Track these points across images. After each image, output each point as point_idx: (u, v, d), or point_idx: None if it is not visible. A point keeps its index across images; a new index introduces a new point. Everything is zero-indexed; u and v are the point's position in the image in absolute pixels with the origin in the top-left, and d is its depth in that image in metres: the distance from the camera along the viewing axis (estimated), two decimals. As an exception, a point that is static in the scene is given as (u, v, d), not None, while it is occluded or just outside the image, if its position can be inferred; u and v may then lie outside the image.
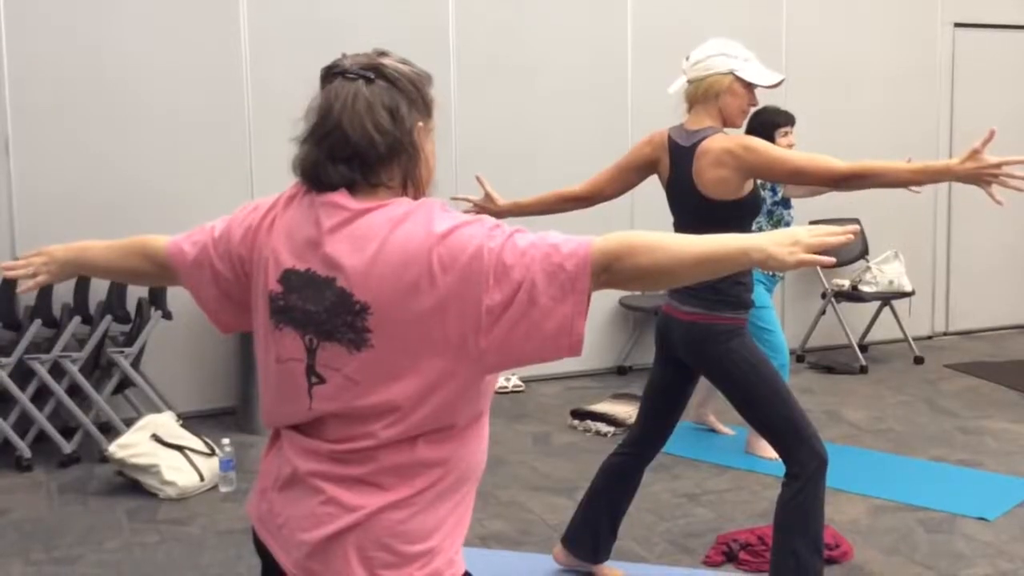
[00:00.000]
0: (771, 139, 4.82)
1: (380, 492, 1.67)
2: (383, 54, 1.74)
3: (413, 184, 1.72)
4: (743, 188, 3.22)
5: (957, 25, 7.73)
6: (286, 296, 1.70)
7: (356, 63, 1.71)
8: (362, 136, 1.66)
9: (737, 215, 3.25)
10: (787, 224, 5.14)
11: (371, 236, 1.63)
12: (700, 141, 3.23)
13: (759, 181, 4.93)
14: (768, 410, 3.25)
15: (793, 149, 4.78)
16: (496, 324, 1.59)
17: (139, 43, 5.64)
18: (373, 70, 1.69)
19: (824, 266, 1.68)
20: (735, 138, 3.22)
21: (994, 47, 7.87)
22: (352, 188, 1.69)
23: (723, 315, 3.26)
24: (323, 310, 1.66)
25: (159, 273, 1.98)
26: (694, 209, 3.27)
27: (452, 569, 1.72)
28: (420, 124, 1.72)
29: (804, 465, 3.18)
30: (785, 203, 5.12)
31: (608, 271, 1.61)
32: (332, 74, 1.71)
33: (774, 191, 5.04)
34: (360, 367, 1.65)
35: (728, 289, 3.23)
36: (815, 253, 1.62)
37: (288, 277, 1.70)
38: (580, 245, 1.61)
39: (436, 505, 1.70)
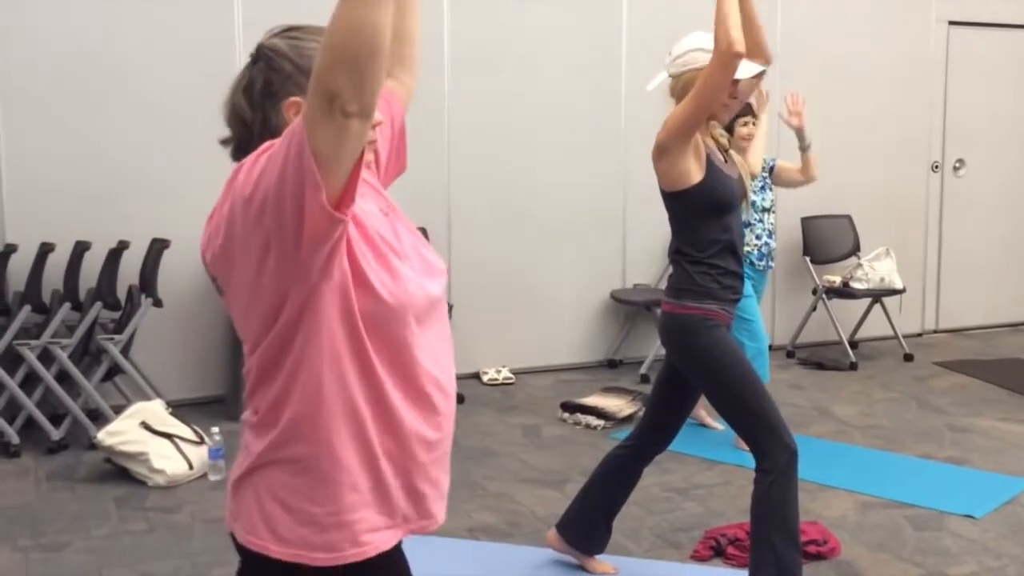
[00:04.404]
0: (730, 130, 4.81)
1: (264, 440, 1.63)
2: (280, 32, 1.74)
3: None
4: (689, 176, 3.21)
5: (951, 23, 7.74)
6: None
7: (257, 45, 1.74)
8: (231, 115, 1.76)
9: (691, 207, 3.26)
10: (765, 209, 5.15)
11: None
12: None
13: (753, 178, 4.96)
14: (737, 403, 3.26)
15: (755, 139, 4.79)
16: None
17: (133, 30, 5.62)
18: (257, 51, 1.73)
19: None
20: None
21: (988, 45, 7.87)
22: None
23: (687, 305, 3.26)
24: None
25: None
26: (664, 202, 3.36)
27: (356, 548, 1.62)
28: (297, 99, 1.67)
29: (775, 459, 3.20)
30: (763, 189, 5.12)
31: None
32: None
33: (767, 186, 5.05)
34: (228, 306, 1.70)
35: (696, 278, 3.25)
36: None
37: None
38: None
39: (327, 477, 1.61)
